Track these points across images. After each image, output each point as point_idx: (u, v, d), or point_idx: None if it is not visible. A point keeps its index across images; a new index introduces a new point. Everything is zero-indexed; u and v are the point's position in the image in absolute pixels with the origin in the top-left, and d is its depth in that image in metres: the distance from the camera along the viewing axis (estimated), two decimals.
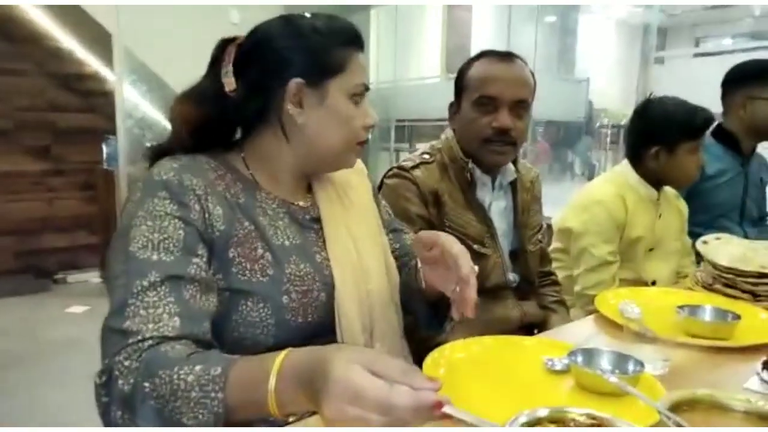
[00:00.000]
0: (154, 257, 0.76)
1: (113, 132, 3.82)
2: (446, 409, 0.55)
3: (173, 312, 0.73)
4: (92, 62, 4.30)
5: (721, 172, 2.07)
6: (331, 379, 0.55)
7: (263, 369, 0.62)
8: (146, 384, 0.65)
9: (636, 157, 1.75)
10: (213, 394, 0.63)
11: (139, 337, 0.70)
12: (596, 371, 0.84)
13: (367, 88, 0.96)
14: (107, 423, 0.68)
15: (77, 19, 4.00)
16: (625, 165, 1.79)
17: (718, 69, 2.12)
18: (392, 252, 1.10)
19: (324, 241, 0.97)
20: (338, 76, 0.92)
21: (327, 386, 0.55)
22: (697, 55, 6.10)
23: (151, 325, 0.71)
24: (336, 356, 0.57)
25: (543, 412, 0.63)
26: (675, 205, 1.87)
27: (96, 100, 4.31)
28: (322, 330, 0.91)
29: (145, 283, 0.74)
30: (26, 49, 4.08)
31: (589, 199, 1.73)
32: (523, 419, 0.61)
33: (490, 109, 1.37)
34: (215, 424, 0.63)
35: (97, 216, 4.30)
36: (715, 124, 2.04)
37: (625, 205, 1.69)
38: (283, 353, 0.63)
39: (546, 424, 0.63)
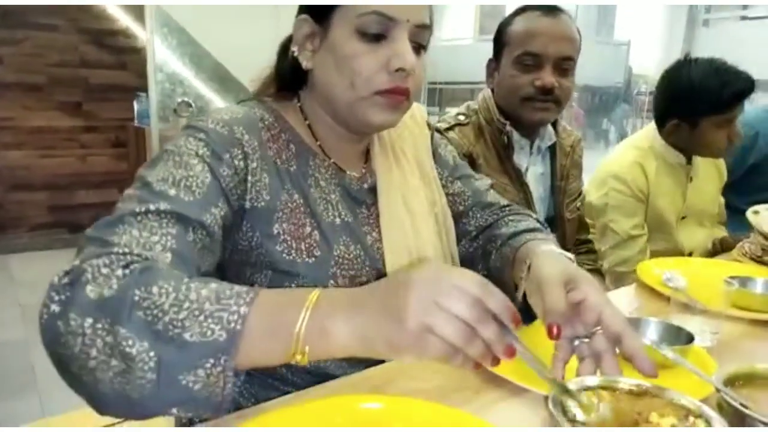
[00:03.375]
0: (172, 192, 0.66)
1: (144, 89, 3.82)
2: (516, 345, 0.54)
3: (168, 246, 0.61)
4: (123, 19, 4.28)
5: None
6: (418, 271, 0.53)
7: (300, 295, 0.55)
8: (137, 292, 0.52)
9: (659, 124, 1.65)
10: (235, 308, 0.52)
11: (126, 250, 0.58)
12: (644, 342, 0.81)
13: (388, 18, 0.75)
14: (49, 338, 0.53)
15: None
16: (651, 128, 1.68)
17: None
18: (462, 202, 1.00)
19: (377, 217, 0.88)
20: (342, 6, 0.76)
21: (412, 275, 0.52)
22: (745, 18, 5.82)
23: (138, 249, 0.59)
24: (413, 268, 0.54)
25: (592, 381, 0.60)
26: (713, 164, 1.76)
27: (127, 56, 4.30)
28: None
29: (151, 208, 0.63)
30: (58, 4, 4.07)
31: (606, 171, 1.65)
32: (571, 387, 0.58)
33: (532, 66, 1.30)
34: (225, 346, 0.50)
35: (128, 173, 4.33)
36: None
37: (645, 173, 1.61)
38: (317, 291, 0.55)
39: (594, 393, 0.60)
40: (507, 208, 1.00)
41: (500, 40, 1.38)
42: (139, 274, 0.54)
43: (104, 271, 0.54)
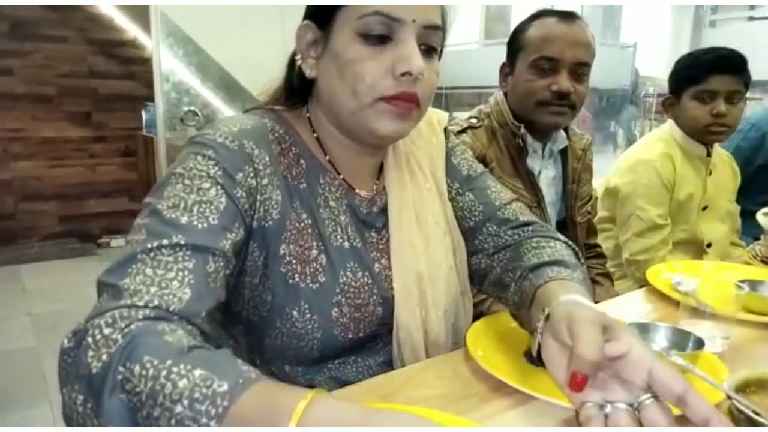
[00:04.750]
0: (184, 219, 0.62)
1: (152, 99, 3.86)
2: None
3: (186, 282, 0.58)
4: (131, 29, 4.32)
5: None
6: None
7: (277, 417, 0.44)
8: (121, 369, 0.48)
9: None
10: (204, 420, 0.44)
11: (135, 300, 0.54)
12: (653, 348, 0.80)
13: (391, 18, 0.70)
14: (64, 404, 0.51)
15: None
16: (670, 122, 1.72)
17: None
18: (473, 217, 0.91)
19: (387, 241, 0.82)
20: (343, 8, 0.72)
21: None
22: (752, 18, 5.76)
23: (154, 288, 0.55)
24: None
25: None
26: (729, 165, 1.80)
27: (135, 67, 4.34)
28: (373, 341, 0.82)
29: (165, 242, 0.59)
30: (67, 15, 4.12)
31: (636, 158, 1.67)
32: None
33: (548, 71, 1.30)
34: None
35: (137, 182, 4.37)
36: None
37: (673, 163, 1.63)
38: (301, 404, 0.44)
39: None
40: (529, 229, 0.89)
41: (515, 44, 1.38)
42: (126, 345, 0.49)
43: (106, 331, 0.51)
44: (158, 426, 0.46)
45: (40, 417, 2.20)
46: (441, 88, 5.38)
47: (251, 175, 0.70)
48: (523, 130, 1.36)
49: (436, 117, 0.95)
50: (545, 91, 1.30)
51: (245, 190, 0.69)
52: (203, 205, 0.64)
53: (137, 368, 0.48)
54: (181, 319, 0.55)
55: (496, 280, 0.87)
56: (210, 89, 2.78)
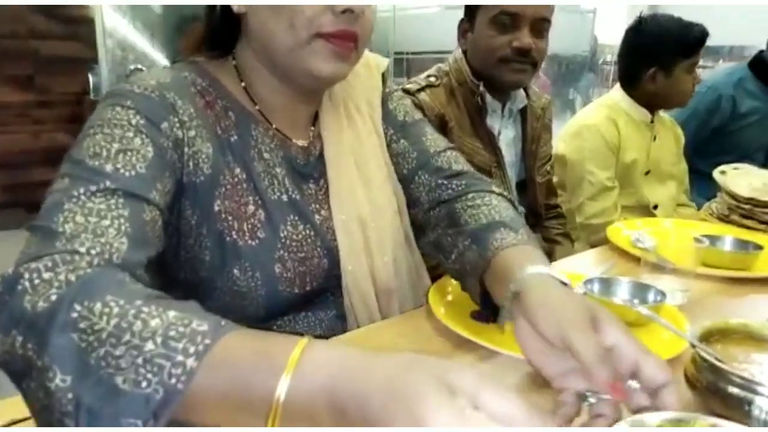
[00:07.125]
0: (108, 167, 0.57)
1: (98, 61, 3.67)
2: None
3: (123, 230, 0.53)
4: None
5: (754, 110, 2.04)
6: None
7: (269, 360, 0.39)
8: (77, 306, 0.43)
9: (630, 79, 1.71)
10: (180, 358, 0.39)
11: (75, 245, 0.49)
12: (615, 300, 0.80)
13: None
14: None
15: None
16: (616, 90, 1.76)
17: None
18: (406, 164, 0.87)
19: (325, 191, 0.79)
20: None
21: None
22: None
23: (90, 236, 0.50)
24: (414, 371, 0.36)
25: (653, 419, 0.46)
26: (672, 130, 1.85)
27: (79, 27, 4.10)
28: (323, 295, 0.79)
29: (93, 188, 0.54)
30: None
31: (580, 124, 1.70)
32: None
33: (509, 27, 1.27)
34: (159, 406, 0.38)
35: None
36: (756, 53, 2.05)
37: (617, 127, 1.67)
38: (299, 345, 0.39)
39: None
40: (462, 182, 0.84)
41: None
42: (83, 284, 0.45)
43: (46, 276, 0.46)
44: (117, 367, 0.39)
45: None
46: (402, 53, 5.29)
47: (176, 125, 0.66)
48: (482, 89, 1.33)
49: (374, 61, 0.91)
50: (506, 47, 1.27)
51: (172, 141, 0.65)
52: (128, 154, 0.59)
53: (98, 306, 0.43)
54: (124, 271, 0.50)
55: (435, 241, 0.83)
56: (158, 46, 2.64)
